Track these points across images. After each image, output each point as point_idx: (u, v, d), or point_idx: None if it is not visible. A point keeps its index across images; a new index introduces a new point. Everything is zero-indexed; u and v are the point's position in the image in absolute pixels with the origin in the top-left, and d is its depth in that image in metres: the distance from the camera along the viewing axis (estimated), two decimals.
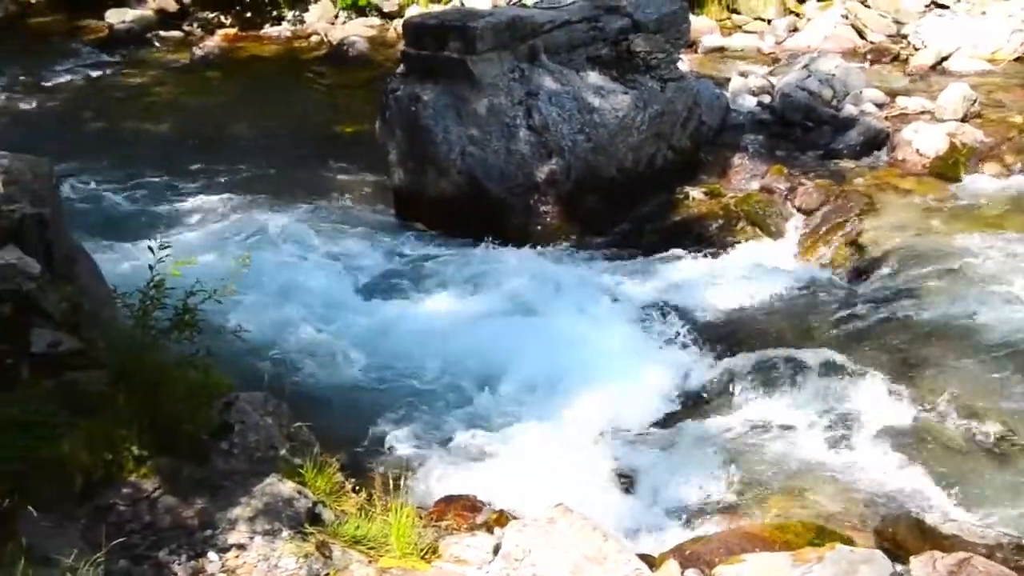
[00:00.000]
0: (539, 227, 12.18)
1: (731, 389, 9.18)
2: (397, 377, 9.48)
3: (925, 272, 10.55)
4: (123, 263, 10.40)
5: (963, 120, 13.80)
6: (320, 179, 14.37)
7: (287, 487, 6.21)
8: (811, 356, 9.34)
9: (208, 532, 5.86)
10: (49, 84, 19.45)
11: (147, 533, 5.90)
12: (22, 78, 19.52)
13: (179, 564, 5.60)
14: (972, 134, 13.35)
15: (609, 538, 5.93)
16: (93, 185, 14.09)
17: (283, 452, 6.86)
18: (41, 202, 7.95)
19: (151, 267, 7.00)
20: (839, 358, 9.26)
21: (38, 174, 8.11)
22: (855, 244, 11.34)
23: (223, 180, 14.33)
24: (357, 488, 6.95)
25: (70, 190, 13.24)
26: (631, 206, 12.55)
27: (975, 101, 14.13)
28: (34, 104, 18.15)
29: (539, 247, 11.95)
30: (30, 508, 5.65)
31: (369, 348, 9.88)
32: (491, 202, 12.17)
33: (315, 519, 6.12)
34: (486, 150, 12.13)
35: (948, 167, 12.80)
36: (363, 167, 14.46)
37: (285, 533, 5.82)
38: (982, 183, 12.58)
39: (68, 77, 20.09)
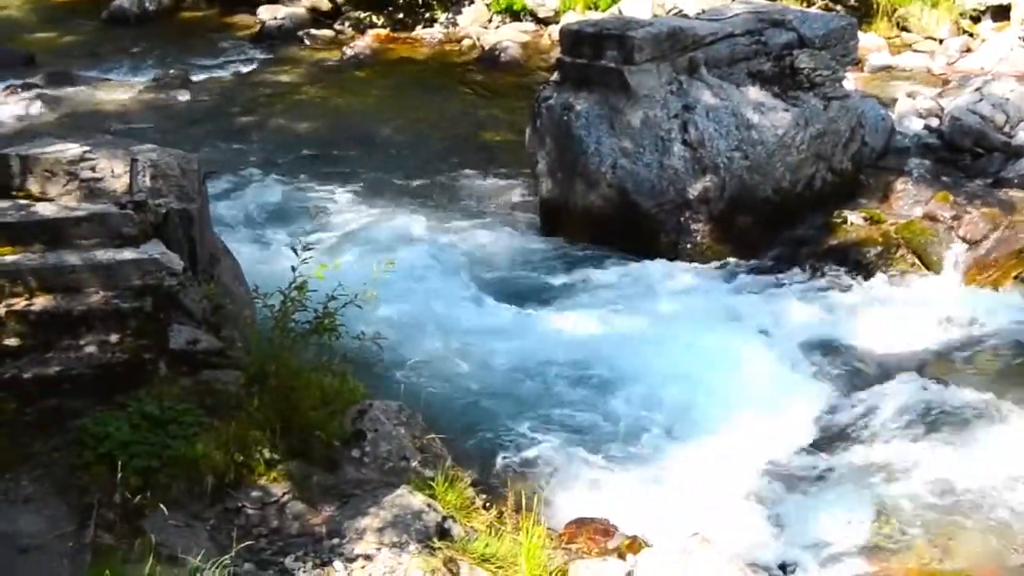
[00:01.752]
0: (689, 245, 12.13)
1: (881, 425, 9.03)
2: (534, 392, 9.50)
3: None
4: (265, 263, 10.59)
5: None
6: (466, 186, 14.49)
7: (417, 499, 6.28)
8: (968, 395, 9.21)
9: (335, 541, 5.96)
10: (199, 79, 19.89)
11: (274, 538, 6.02)
12: (173, 72, 19.95)
13: (304, 572, 5.70)
14: None
15: (747, 572, 5.89)
16: (238, 182, 14.38)
17: (415, 463, 6.96)
18: (188, 198, 8.17)
19: (294, 269, 7.15)
20: (998, 399, 9.10)
21: (186, 170, 8.33)
22: (1023, 278, 11.06)
23: (368, 182, 14.52)
24: (488, 505, 7.00)
25: (215, 186, 13.53)
26: (786, 228, 12.44)
27: None
28: (184, 98, 18.56)
29: (689, 266, 11.89)
30: (161, 506, 5.81)
31: (507, 361, 9.93)
32: (641, 217, 12.16)
33: (444, 534, 6.17)
34: (638, 164, 12.12)
35: None
36: (510, 175, 14.55)
37: (413, 547, 5.89)
38: None
39: (218, 72, 20.56)
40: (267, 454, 6.46)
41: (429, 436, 7.22)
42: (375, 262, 7.85)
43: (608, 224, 12.30)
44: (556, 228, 12.83)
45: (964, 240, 11.91)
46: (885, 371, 9.91)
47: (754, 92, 12.66)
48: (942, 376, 9.70)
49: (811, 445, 8.90)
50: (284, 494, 6.33)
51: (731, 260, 12.07)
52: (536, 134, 12.91)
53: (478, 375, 9.72)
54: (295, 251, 7.26)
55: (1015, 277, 11.12)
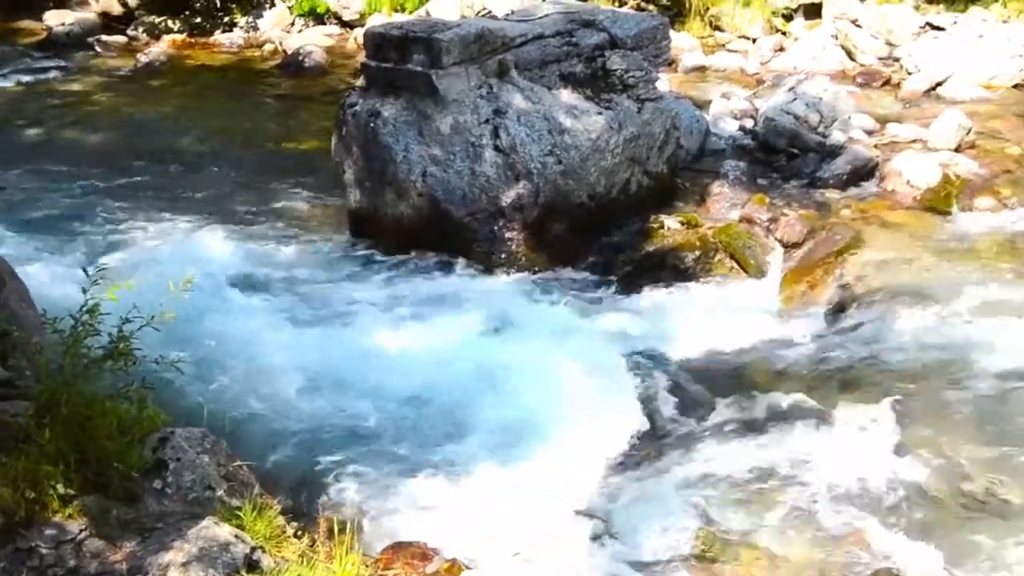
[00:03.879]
0: (504, 255, 12.18)
1: (703, 434, 9.19)
2: (345, 414, 9.40)
3: (912, 311, 10.60)
4: (55, 286, 10.34)
5: (957, 150, 13.92)
6: (270, 198, 14.36)
7: (224, 531, 6.20)
8: (788, 400, 9.41)
9: None
10: None
11: None
12: None
13: None
14: (966, 165, 13.44)
15: None
16: (25, 200, 14.04)
17: (220, 492, 6.85)
18: None
19: (84, 291, 7.00)
20: (818, 402, 9.34)
21: None
22: (839, 280, 11.35)
23: (165, 197, 14.30)
24: (299, 533, 6.93)
25: None
26: (602, 234, 12.55)
27: (970, 130, 14.23)
28: None
29: (503, 276, 11.96)
30: None
31: (316, 381, 9.80)
32: (453, 226, 12.18)
33: (252, 566, 6.10)
34: (449, 171, 12.15)
35: (940, 200, 12.85)
36: (317, 186, 14.46)
37: None
38: (975, 217, 12.62)
39: (1, 82, 20.05)
40: (61, 489, 6.29)
41: (235, 463, 7.12)
42: (172, 281, 7.72)
43: (420, 234, 12.31)
44: (366, 240, 12.77)
45: (782, 242, 12.18)
46: (705, 377, 10.08)
47: (566, 95, 12.77)
48: (762, 381, 9.93)
49: (632, 456, 9.00)
50: (81, 531, 6.18)
51: (546, 269, 12.16)
52: (342, 142, 12.86)
53: (285, 397, 9.59)
54: (86, 272, 7.11)
55: (832, 279, 11.42)
